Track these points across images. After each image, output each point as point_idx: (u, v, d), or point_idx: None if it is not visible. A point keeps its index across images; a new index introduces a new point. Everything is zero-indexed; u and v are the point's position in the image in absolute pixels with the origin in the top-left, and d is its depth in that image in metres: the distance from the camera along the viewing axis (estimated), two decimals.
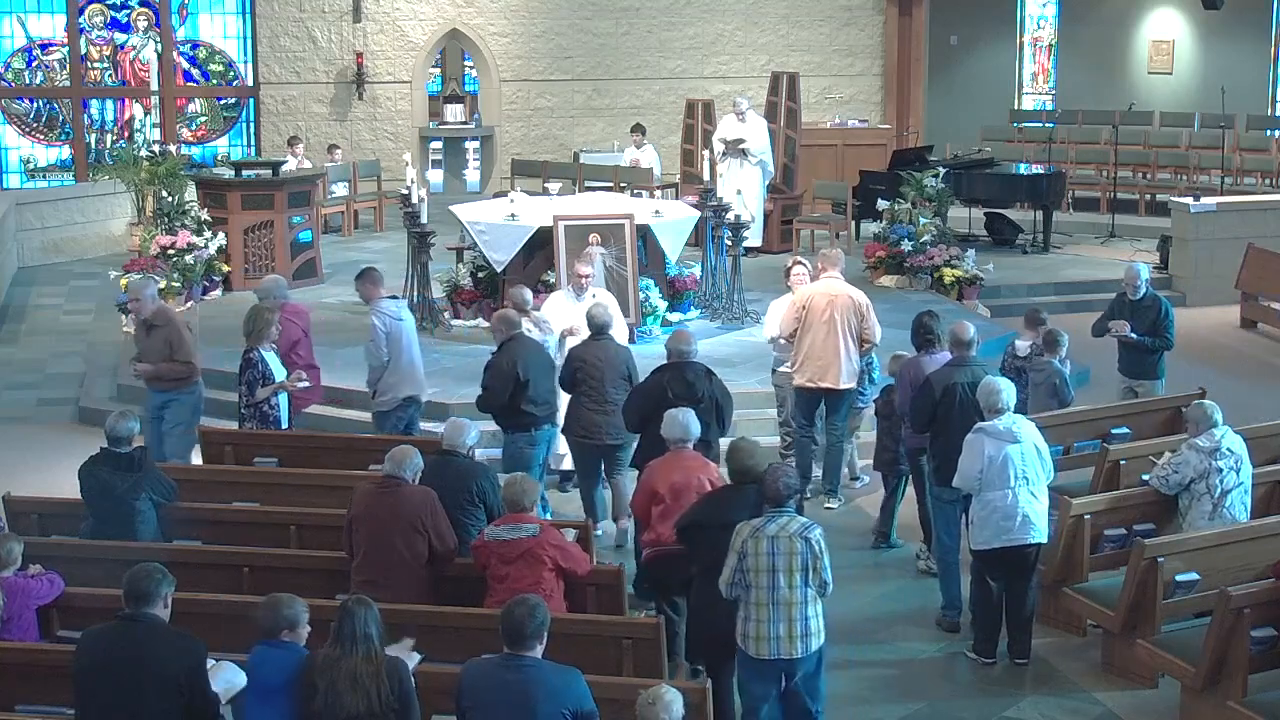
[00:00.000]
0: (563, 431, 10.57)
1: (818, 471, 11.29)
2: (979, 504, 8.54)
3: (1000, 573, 8.60)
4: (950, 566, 9.19)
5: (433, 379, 11.94)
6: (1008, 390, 8.55)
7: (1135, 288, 11.51)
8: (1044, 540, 8.64)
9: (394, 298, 11.53)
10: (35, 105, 21.84)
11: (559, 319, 11.20)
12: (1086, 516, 8.84)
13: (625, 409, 9.76)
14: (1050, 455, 8.75)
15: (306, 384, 10.59)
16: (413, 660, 6.66)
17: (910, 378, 9.78)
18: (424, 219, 14.27)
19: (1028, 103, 24.37)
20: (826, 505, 11.10)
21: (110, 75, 21.92)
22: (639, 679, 6.72)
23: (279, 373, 10.33)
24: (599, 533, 9.87)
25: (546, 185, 16.46)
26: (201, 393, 10.88)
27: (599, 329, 10.37)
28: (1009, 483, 8.43)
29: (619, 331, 10.95)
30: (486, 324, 14.30)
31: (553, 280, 13.50)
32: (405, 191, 14.51)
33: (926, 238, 16.48)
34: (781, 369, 11.50)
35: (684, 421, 8.36)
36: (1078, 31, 23.76)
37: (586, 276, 11.63)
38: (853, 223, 18.78)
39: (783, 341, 11.36)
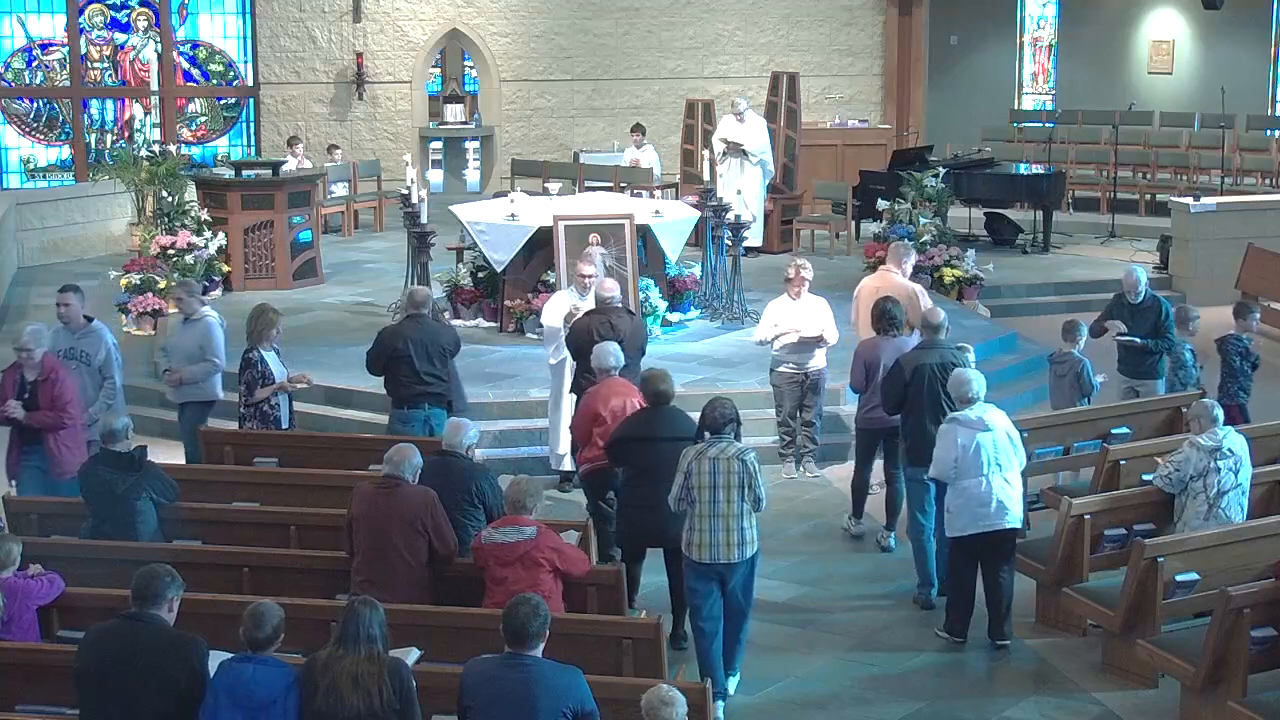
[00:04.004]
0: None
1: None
2: (954, 492, 8.77)
3: (978, 558, 8.80)
4: (923, 545, 9.43)
5: None
6: (978, 380, 8.85)
7: (1135, 292, 11.55)
8: (1018, 525, 8.84)
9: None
10: (35, 105, 21.85)
11: (562, 317, 11.21)
12: (1086, 516, 8.84)
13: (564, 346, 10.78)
14: (1022, 441, 9.00)
15: (306, 386, 10.59)
16: (412, 658, 6.65)
17: (864, 358, 10.34)
18: (424, 219, 14.25)
19: (1028, 103, 24.37)
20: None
21: (110, 75, 21.92)
22: (639, 679, 6.73)
23: (279, 373, 10.34)
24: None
25: (546, 185, 16.42)
26: None
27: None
28: (982, 470, 8.64)
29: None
30: (488, 324, 14.41)
31: (553, 280, 13.49)
32: (405, 191, 14.50)
33: (926, 238, 16.48)
34: (780, 368, 11.57)
35: (612, 351, 9.59)
36: (1078, 31, 23.76)
37: (589, 276, 11.63)
38: (853, 223, 18.78)
39: (768, 343, 11.58)
